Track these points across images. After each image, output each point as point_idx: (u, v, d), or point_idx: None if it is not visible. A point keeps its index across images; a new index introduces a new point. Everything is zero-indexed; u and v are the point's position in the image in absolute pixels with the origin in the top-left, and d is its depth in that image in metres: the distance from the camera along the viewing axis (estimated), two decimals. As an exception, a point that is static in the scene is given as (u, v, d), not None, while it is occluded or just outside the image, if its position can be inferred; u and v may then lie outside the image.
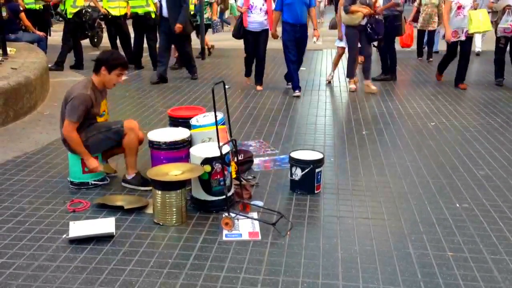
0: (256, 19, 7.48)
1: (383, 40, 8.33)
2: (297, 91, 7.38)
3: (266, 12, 7.48)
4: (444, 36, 7.99)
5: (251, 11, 7.42)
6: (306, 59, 10.67)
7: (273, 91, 7.72)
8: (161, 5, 8.34)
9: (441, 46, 10.46)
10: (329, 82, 8.44)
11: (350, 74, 7.85)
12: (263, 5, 7.46)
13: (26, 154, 4.81)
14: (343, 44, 8.13)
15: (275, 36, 7.59)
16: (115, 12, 9.34)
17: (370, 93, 7.58)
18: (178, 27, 7.97)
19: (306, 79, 8.61)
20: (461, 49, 7.86)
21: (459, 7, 7.63)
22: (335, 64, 8.60)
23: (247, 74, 8.24)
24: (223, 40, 12.65)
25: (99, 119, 4.20)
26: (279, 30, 7.57)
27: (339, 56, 8.51)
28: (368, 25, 7.45)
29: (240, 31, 7.62)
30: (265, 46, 7.72)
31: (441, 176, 4.36)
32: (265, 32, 7.63)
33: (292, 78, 7.50)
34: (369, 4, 7.40)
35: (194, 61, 8.88)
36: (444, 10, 7.96)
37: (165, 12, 8.21)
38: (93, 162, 3.95)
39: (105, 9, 9.36)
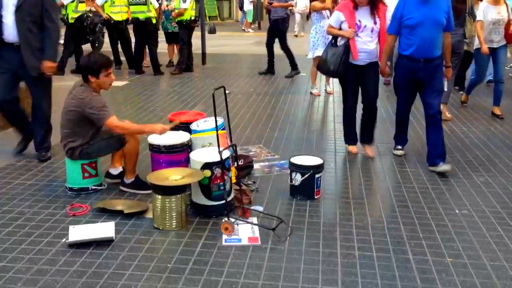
0: (367, 47, 4.70)
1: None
2: (441, 163, 4.56)
3: (378, 36, 4.75)
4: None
5: (359, 34, 4.68)
6: (305, 64, 10.71)
7: (273, 96, 7.74)
8: None
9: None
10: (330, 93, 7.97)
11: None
12: (375, 23, 4.66)
13: (27, 158, 4.81)
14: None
15: (385, 73, 4.90)
16: (117, 18, 9.42)
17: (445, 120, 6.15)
18: (46, 67, 4.54)
19: (306, 84, 8.63)
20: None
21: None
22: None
23: (352, 138, 5.18)
24: (222, 45, 12.68)
25: None
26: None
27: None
28: None
29: (339, 66, 4.73)
30: (377, 88, 4.94)
31: (440, 182, 4.37)
32: (374, 66, 4.86)
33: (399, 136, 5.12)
34: None
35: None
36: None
37: (9, 36, 4.50)
38: (157, 126, 3.92)
39: (107, 14, 9.40)
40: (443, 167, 4.49)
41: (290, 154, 4.50)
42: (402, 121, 5.03)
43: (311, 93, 7.94)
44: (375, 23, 4.66)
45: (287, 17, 9.37)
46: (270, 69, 9.66)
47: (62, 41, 9.30)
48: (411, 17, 4.46)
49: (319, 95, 7.86)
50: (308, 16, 9.96)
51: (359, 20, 4.63)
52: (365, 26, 4.64)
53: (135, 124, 3.91)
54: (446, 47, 4.62)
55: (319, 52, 7.27)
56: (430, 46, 4.49)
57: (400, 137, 5.10)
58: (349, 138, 5.14)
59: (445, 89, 4.94)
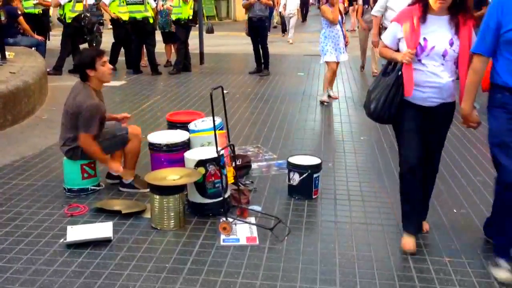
0: (436, 79, 3.06)
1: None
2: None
3: (455, 63, 3.09)
4: None
5: (421, 59, 3.05)
6: (304, 64, 10.73)
7: (271, 96, 7.74)
8: None
9: None
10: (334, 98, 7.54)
11: None
12: (451, 44, 3.04)
13: (24, 158, 4.81)
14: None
15: (471, 120, 3.08)
16: (125, 17, 9.39)
17: None
18: None
19: (304, 84, 8.63)
20: None
21: None
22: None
23: (414, 223, 3.33)
24: (220, 45, 12.68)
25: None
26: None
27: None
28: None
29: (383, 105, 3.14)
30: (442, 142, 3.38)
31: (438, 182, 4.35)
32: (447, 110, 3.21)
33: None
34: None
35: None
36: None
37: None
38: (116, 165, 4.02)
39: (114, 13, 9.38)
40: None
41: (288, 153, 4.50)
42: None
43: (322, 102, 7.26)
44: (451, 43, 3.01)
45: (269, 16, 9.62)
46: (259, 68, 9.75)
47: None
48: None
49: (338, 98, 7.53)
50: (304, 17, 10.00)
51: (424, 38, 2.99)
52: (433, 47, 2.98)
53: (102, 154, 3.91)
54: None
55: (329, 57, 7.23)
56: None
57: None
58: (410, 221, 3.24)
59: None
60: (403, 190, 3.27)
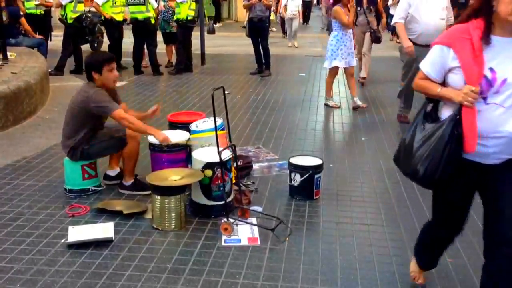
0: (509, 128, 2.16)
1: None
2: None
3: None
4: None
5: (487, 98, 2.17)
6: (306, 65, 10.73)
7: (273, 97, 7.74)
8: None
9: None
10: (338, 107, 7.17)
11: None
12: None
13: (26, 159, 4.81)
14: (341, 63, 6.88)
15: None
16: (118, 18, 9.44)
17: None
18: None
19: (305, 85, 8.63)
20: None
21: None
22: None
23: (428, 263, 2.91)
24: (221, 46, 12.69)
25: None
26: None
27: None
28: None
29: (439, 167, 2.25)
30: None
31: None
32: None
33: None
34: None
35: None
36: None
37: None
38: (162, 134, 3.91)
39: (108, 14, 9.40)
40: None
41: (289, 154, 4.50)
42: None
43: (327, 105, 7.13)
44: None
45: (269, 17, 9.68)
46: (260, 68, 9.74)
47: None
48: None
49: (338, 107, 7.08)
50: (306, 19, 9.93)
51: (490, 68, 2.16)
52: (504, 80, 2.15)
53: (143, 124, 3.89)
54: None
55: (338, 62, 6.84)
56: None
57: None
58: (423, 261, 2.85)
59: None
60: (421, 242, 2.80)
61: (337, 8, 6.82)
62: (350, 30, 6.94)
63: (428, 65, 2.35)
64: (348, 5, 6.81)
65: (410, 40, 5.70)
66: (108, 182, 4.21)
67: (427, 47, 5.11)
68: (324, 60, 7.23)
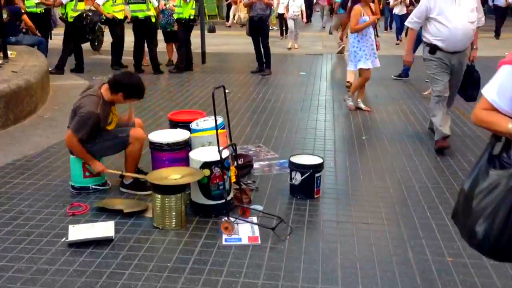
0: None
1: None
2: None
3: None
4: None
5: None
6: (306, 64, 10.71)
7: (273, 95, 7.73)
8: None
9: None
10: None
11: None
12: None
13: (26, 157, 4.81)
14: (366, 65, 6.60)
15: None
16: (120, 16, 9.47)
17: None
18: None
19: (306, 84, 8.62)
20: None
21: None
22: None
23: None
24: (221, 44, 12.68)
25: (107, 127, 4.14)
26: None
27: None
28: None
29: (504, 230, 1.78)
30: None
31: (440, 182, 4.36)
32: None
33: None
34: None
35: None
36: None
37: None
38: (98, 166, 3.95)
39: (109, 13, 9.40)
40: None
41: (290, 153, 4.50)
42: None
43: (345, 100, 6.99)
44: None
45: (269, 15, 9.69)
46: (261, 67, 9.73)
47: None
48: None
49: (354, 109, 6.80)
50: (308, 18, 9.83)
51: None
52: None
53: (85, 153, 3.87)
54: None
55: (364, 64, 6.55)
56: None
57: None
58: None
59: None
60: None
61: (356, 8, 6.52)
62: (371, 29, 6.60)
63: (494, 92, 1.79)
64: (370, 4, 6.51)
65: (435, 46, 5.03)
66: (124, 190, 4.08)
67: (454, 53, 4.96)
68: (348, 62, 6.94)
